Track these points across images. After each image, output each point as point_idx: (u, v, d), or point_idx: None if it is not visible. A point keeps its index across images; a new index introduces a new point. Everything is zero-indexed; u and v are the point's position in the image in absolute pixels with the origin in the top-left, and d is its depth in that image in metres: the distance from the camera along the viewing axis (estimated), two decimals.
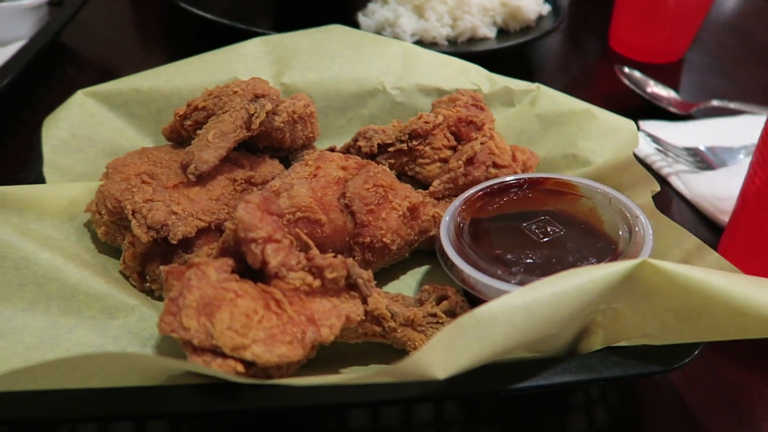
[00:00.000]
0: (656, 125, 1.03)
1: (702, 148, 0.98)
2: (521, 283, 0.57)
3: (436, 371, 0.47)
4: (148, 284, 0.67)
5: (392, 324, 0.60)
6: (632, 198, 0.71)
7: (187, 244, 0.67)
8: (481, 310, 0.48)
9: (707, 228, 0.86)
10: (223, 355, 0.50)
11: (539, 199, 0.69)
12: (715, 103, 1.08)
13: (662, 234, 0.65)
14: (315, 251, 0.57)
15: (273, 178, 0.77)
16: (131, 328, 0.62)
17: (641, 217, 0.63)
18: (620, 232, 0.63)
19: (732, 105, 1.07)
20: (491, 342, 0.48)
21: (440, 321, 0.62)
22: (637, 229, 0.62)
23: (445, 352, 0.47)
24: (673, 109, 1.07)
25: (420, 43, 1.12)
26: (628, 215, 0.64)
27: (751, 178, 0.70)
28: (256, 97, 0.73)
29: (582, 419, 0.64)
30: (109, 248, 0.71)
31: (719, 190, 0.88)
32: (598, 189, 0.68)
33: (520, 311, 0.49)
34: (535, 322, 0.49)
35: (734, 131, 1.03)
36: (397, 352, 0.63)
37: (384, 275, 0.73)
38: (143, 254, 0.67)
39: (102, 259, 0.70)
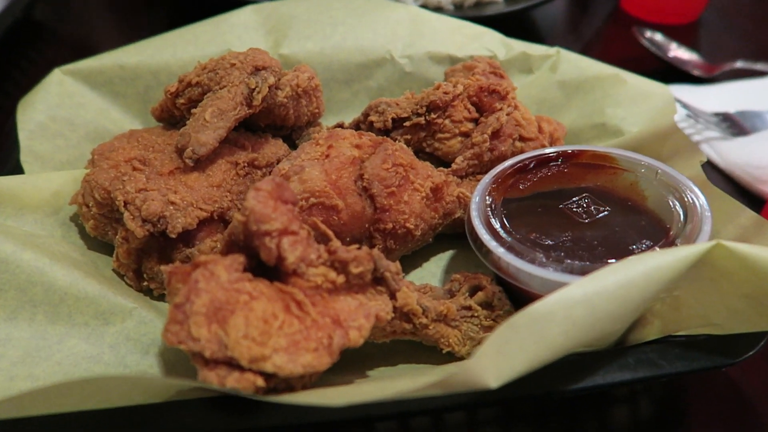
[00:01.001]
0: (682, 90, 0.97)
1: (733, 112, 0.91)
2: (567, 270, 0.51)
3: (488, 380, 0.41)
4: (145, 283, 0.61)
5: (424, 320, 0.54)
6: (677, 169, 0.65)
7: (187, 238, 0.60)
8: (535, 307, 0.42)
9: (745, 199, 0.80)
10: (240, 368, 0.43)
11: (576, 174, 0.62)
12: (739, 64, 1.02)
13: (715, 208, 0.59)
14: (336, 242, 0.51)
15: (278, 160, 0.69)
16: (130, 333, 0.55)
17: (696, 191, 0.57)
18: (672, 208, 0.57)
19: (757, 66, 1.01)
20: (549, 342, 0.42)
21: (475, 314, 0.56)
22: (692, 203, 0.56)
23: (497, 358, 0.41)
24: (697, 72, 1.00)
25: (424, 8, 1.04)
26: (678, 190, 0.58)
27: None
28: (257, 69, 0.65)
29: (625, 413, 0.59)
30: (99, 244, 0.64)
31: (756, 158, 0.82)
32: (643, 162, 0.62)
33: (581, 306, 0.42)
34: (599, 317, 0.43)
35: (764, 93, 0.97)
36: (426, 348, 0.57)
37: (405, 263, 0.66)
38: (138, 250, 0.59)
39: (92, 257, 0.62)
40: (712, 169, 0.85)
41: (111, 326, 0.55)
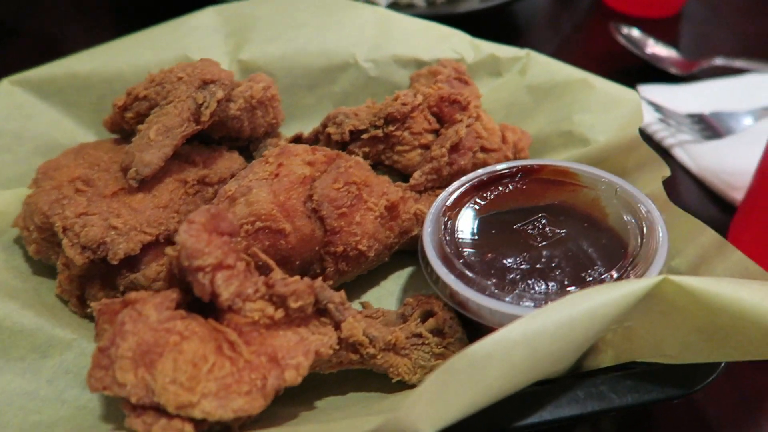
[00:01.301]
0: (656, 90, 0.94)
1: (707, 113, 0.89)
2: (518, 299, 0.49)
3: (421, 427, 0.39)
4: (90, 309, 0.59)
5: (371, 350, 0.52)
6: (639, 184, 0.63)
7: (132, 263, 0.58)
8: (474, 349, 0.40)
9: (717, 206, 0.78)
10: (168, 414, 0.42)
11: (535, 191, 0.60)
12: (718, 61, 0.99)
13: (676, 227, 0.57)
14: (276, 274, 0.49)
15: (232, 175, 0.67)
16: (69, 366, 0.53)
17: (653, 213, 0.55)
18: (629, 229, 0.55)
19: (737, 63, 0.98)
20: (486, 386, 0.41)
21: (426, 342, 0.54)
22: (650, 224, 0.54)
23: (432, 404, 0.39)
24: (674, 70, 0.98)
25: (396, 5, 1.01)
26: (637, 209, 0.56)
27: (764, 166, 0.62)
28: (205, 83, 0.63)
29: None
30: (44, 268, 0.62)
31: (729, 163, 0.80)
32: (602, 178, 0.60)
33: (521, 347, 0.41)
34: (539, 358, 0.41)
35: (741, 93, 0.95)
36: (377, 375, 0.55)
37: (362, 281, 0.65)
38: (81, 277, 0.58)
39: (35, 282, 0.60)
40: (684, 174, 0.83)
41: (49, 359, 0.53)
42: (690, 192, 0.81)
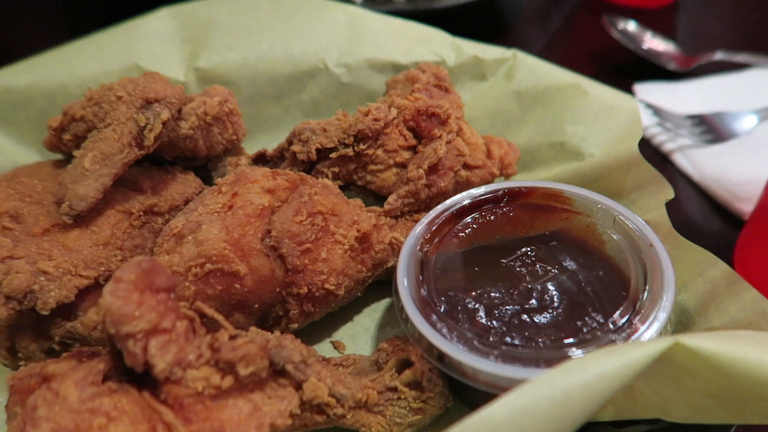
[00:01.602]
0: (654, 88, 0.87)
1: (708, 114, 0.82)
2: (504, 358, 0.43)
3: None
4: (22, 363, 0.52)
5: (339, 410, 0.45)
6: (639, 207, 0.56)
7: (68, 310, 0.51)
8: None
9: (721, 217, 0.72)
10: None
11: (523, 218, 0.54)
12: (719, 55, 0.92)
13: (683, 259, 0.51)
14: (223, 335, 0.42)
15: (185, 202, 0.60)
16: None
17: (657, 247, 0.48)
18: (630, 265, 0.48)
19: (739, 57, 0.91)
20: None
21: (402, 396, 0.48)
22: (652, 266, 0.47)
23: None
24: (673, 66, 0.91)
25: (372, 2, 0.93)
26: (638, 243, 0.49)
27: None
28: (148, 102, 0.55)
29: None
30: None
31: (734, 171, 0.74)
32: (599, 203, 0.53)
33: (506, 431, 0.34)
34: None
35: (744, 90, 0.88)
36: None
37: (334, 318, 0.58)
38: (10, 327, 0.51)
39: None
40: (685, 182, 0.76)
41: None
42: (692, 202, 0.74)
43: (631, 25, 0.95)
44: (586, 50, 0.99)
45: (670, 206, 0.55)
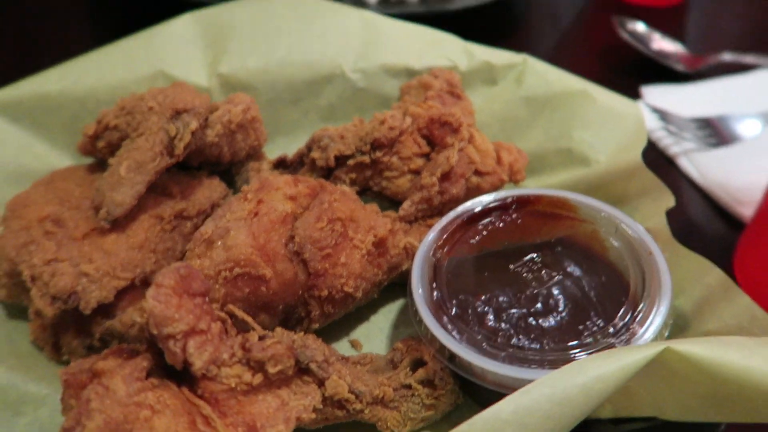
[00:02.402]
0: (661, 92, 0.90)
1: (713, 117, 0.85)
2: (511, 359, 0.46)
3: None
4: (66, 356, 0.56)
5: (358, 406, 0.49)
6: (641, 214, 0.59)
7: (107, 309, 0.55)
8: (461, 429, 0.38)
9: (724, 221, 0.75)
10: None
11: (531, 225, 0.57)
12: (727, 56, 0.94)
13: (681, 266, 0.54)
14: (253, 336, 0.46)
15: (212, 206, 0.64)
16: (43, 424, 0.51)
17: (656, 256, 0.51)
18: (630, 272, 0.52)
19: (746, 58, 0.93)
20: None
21: (416, 393, 0.51)
22: (651, 274, 0.51)
23: None
24: (680, 67, 0.93)
25: (386, 2, 0.96)
26: (639, 252, 0.52)
27: None
28: (177, 112, 0.59)
29: None
30: (18, 309, 0.59)
31: (737, 176, 0.76)
32: (602, 212, 0.56)
33: (511, 428, 0.38)
34: None
35: (750, 92, 0.90)
36: (367, 427, 0.53)
37: (350, 318, 0.62)
38: (54, 325, 0.55)
39: (8, 329, 0.58)
40: (689, 185, 0.79)
41: (22, 417, 0.51)
42: (695, 205, 0.77)
43: (640, 26, 0.97)
44: (596, 49, 1.01)
45: (675, 209, 0.58)
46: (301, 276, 0.55)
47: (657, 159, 0.82)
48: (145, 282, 0.57)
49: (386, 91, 0.78)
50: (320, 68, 0.77)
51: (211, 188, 0.65)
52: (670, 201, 0.57)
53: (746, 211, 0.73)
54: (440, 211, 0.63)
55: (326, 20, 0.79)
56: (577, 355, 0.46)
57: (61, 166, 0.68)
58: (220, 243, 0.54)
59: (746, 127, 0.83)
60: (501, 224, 0.57)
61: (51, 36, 1.03)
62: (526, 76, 0.76)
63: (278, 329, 0.49)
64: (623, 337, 0.47)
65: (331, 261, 0.55)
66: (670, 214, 0.58)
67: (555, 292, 0.51)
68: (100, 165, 0.66)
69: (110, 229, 0.57)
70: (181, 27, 0.78)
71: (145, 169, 0.57)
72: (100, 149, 0.63)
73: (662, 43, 0.96)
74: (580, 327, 0.48)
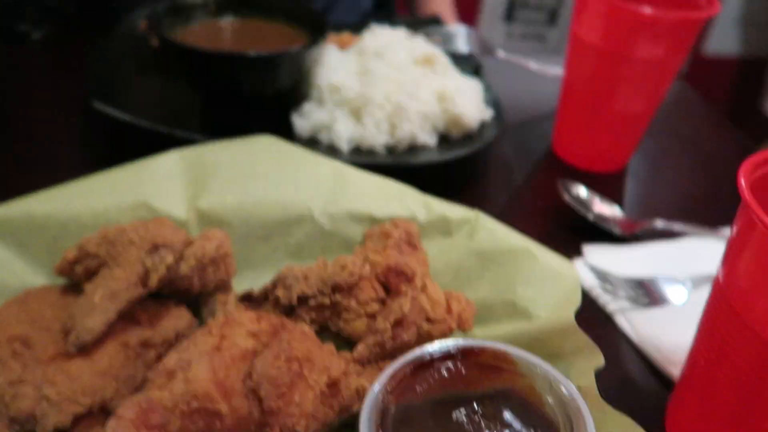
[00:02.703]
0: (600, 251, 0.99)
1: (645, 279, 0.94)
2: None
3: None
4: None
5: None
6: (574, 372, 0.65)
7: None
8: None
9: (657, 380, 0.80)
10: None
11: (474, 375, 0.61)
12: (659, 223, 1.05)
13: (606, 423, 0.59)
14: None
15: (177, 336, 0.67)
16: None
17: (584, 415, 0.56)
18: (562, 430, 0.56)
19: (675, 226, 1.04)
20: None
21: None
22: (580, 428, 0.55)
23: None
24: (617, 231, 1.03)
25: (357, 150, 1.06)
26: (570, 409, 0.57)
27: (696, 352, 0.65)
28: (155, 247, 0.64)
29: None
30: None
31: (667, 337, 0.83)
32: (538, 369, 0.61)
33: None
34: None
35: (679, 257, 1.00)
36: None
37: None
38: None
39: None
40: (626, 343, 0.86)
41: None
42: (631, 362, 0.83)
43: (582, 191, 1.08)
44: (543, 209, 1.11)
45: (613, 364, 0.64)
46: (254, 413, 0.58)
47: (597, 315, 0.89)
48: (103, 409, 0.59)
49: (350, 234, 0.85)
50: (292, 210, 0.84)
51: (177, 317, 0.69)
52: (599, 360, 0.63)
53: (676, 371, 0.79)
54: (392, 355, 0.67)
55: (300, 167, 0.87)
56: None
57: (36, 284, 0.72)
58: (181, 376, 0.57)
59: (673, 291, 0.92)
60: (446, 374, 0.62)
61: (40, 159, 1.09)
62: (478, 232, 0.84)
63: None
64: None
65: (285, 399, 0.58)
66: (608, 370, 0.64)
67: None
68: (73, 287, 0.70)
69: (77, 354, 0.60)
70: (168, 163, 0.85)
71: (118, 297, 0.61)
72: (78, 273, 0.67)
73: (602, 207, 1.07)
74: None
